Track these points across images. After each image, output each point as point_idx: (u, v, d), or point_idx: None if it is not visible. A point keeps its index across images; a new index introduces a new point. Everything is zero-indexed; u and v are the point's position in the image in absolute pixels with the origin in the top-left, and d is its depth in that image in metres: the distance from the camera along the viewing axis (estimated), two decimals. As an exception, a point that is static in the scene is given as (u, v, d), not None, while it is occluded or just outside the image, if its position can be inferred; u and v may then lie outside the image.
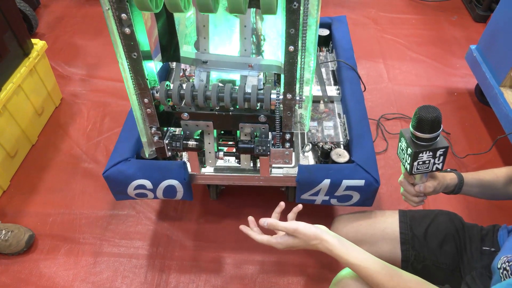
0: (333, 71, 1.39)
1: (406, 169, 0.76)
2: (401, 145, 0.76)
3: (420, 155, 0.71)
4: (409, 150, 0.72)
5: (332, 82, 1.36)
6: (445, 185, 0.82)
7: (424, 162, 0.73)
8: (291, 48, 0.69)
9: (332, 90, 1.29)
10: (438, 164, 0.73)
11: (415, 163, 0.72)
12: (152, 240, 1.28)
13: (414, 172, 0.74)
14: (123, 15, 0.66)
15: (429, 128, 0.69)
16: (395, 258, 0.90)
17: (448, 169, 0.86)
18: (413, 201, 0.82)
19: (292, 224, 0.76)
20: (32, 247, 1.27)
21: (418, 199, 0.82)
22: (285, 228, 0.76)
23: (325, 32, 1.49)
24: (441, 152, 0.71)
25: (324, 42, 1.49)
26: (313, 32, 0.68)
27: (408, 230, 0.91)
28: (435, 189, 0.80)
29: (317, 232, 0.74)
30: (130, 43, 0.70)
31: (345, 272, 0.80)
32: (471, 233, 0.88)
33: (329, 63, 1.42)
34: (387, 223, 0.94)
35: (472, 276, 0.80)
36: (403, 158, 0.76)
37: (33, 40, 1.54)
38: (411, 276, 0.67)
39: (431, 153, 0.71)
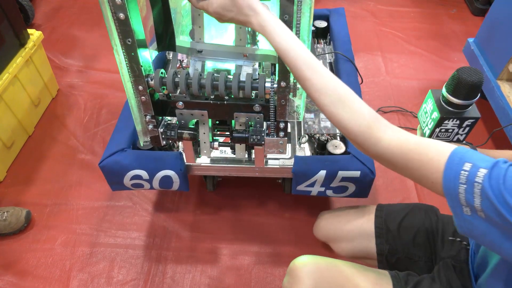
0: (330, 63, 1.39)
1: (424, 133, 0.68)
2: (425, 107, 0.67)
3: (446, 121, 0.63)
4: (435, 114, 0.63)
5: (329, 74, 1.36)
6: None
7: (446, 130, 0.65)
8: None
9: (329, 82, 1.29)
10: (461, 135, 0.66)
11: (437, 129, 0.65)
12: (149, 231, 1.29)
13: (435, 136, 0.66)
14: (118, 0, 0.65)
15: (465, 93, 0.59)
16: (371, 252, 0.90)
17: (464, 142, 0.81)
18: None
19: None
20: (29, 224, 1.28)
21: None
22: None
23: (323, 24, 1.48)
24: (469, 123, 0.63)
25: (322, 34, 1.48)
26: (307, 20, 0.68)
27: (383, 224, 0.90)
28: None
29: (255, 3, 0.62)
30: (124, 29, 0.70)
31: (297, 261, 0.77)
32: (445, 224, 0.87)
33: (327, 55, 1.42)
34: (364, 219, 0.93)
35: (439, 267, 0.79)
36: (424, 121, 0.67)
37: (29, 31, 1.53)
38: (340, 84, 0.60)
39: (458, 122, 0.63)
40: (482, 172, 0.47)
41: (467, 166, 0.48)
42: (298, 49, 0.60)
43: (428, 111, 0.66)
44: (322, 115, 1.21)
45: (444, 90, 0.62)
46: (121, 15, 0.68)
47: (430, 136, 0.67)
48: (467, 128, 0.65)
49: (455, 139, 0.67)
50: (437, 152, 0.51)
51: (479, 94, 0.61)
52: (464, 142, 0.79)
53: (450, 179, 0.49)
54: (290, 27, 0.68)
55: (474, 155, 0.49)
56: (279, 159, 1.06)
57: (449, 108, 0.63)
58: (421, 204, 0.95)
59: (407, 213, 0.91)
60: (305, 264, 0.75)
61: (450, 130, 0.65)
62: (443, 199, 0.95)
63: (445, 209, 0.95)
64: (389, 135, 0.55)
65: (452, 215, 0.85)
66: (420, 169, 0.52)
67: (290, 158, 1.06)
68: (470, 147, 0.77)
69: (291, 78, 0.76)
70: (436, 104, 0.64)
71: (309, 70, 0.59)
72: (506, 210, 0.45)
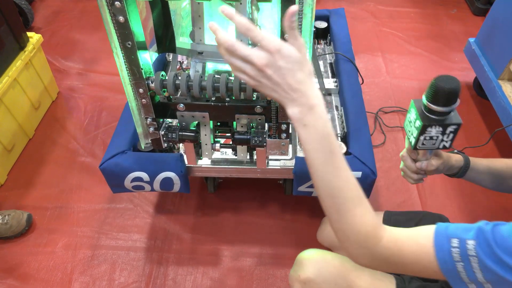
0: (331, 64, 1.39)
1: (410, 143, 0.69)
2: (409, 117, 0.69)
3: (429, 129, 0.64)
4: (418, 123, 0.65)
5: (330, 74, 1.36)
6: (449, 166, 0.76)
7: (431, 138, 0.66)
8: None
9: (330, 83, 1.29)
10: (446, 142, 0.66)
11: (421, 137, 0.66)
12: (150, 233, 1.28)
13: (419, 147, 0.67)
14: (117, 3, 0.65)
15: (444, 100, 0.61)
16: None
17: (455, 150, 0.81)
18: (412, 178, 0.76)
19: (302, 39, 0.51)
20: (30, 227, 1.28)
21: (417, 176, 0.75)
22: (269, 41, 0.49)
23: (323, 24, 1.48)
24: (452, 129, 0.64)
25: (322, 34, 1.48)
26: (308, 21, 0.68)
27: None
28: (438, 168, 0.74)
29: (314, 91, 0.51)
30: (124, 32, 0.69)
31: (305, 252, 0.79)
32: None
33: (327, 55, 1.42)
34: None
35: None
36: (409, 131, 0.69)
37: (29, 34, 1.53)
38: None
39: (441, 129, 0.64)
40: (471, 243, 0.46)
41: (455, 242, 0.47)
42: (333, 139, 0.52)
43: (412, 120, 0.68)
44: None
45: (424, 99, 0.64)
46: (121, 18, 0.68)
47: (415, 144, 0.67)
48: (451, 135, 0.65)
49: (441, 146, 0.68)
50: (424, 237, 0.50)
51: (458, 101, 0.62)
52: (456, 151, 0.80)
53: (445, 261, 0.48)
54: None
55: (456, 228, 0.48)
56: (280, 160, 1.06)
57: (431, 116, 0.63)
58: (429, 213, 0.92)
59: (416, 224, 0.86)
60: (311, 254, 0.77)
61: (435, 138, 0.66)
62: (448, 202, 0.93)
63: (452, 214, 0.93)
64: (386, 233, 0.53)
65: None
66: (417, 262, 0.50)
67: (291, 159, 1.06)
68: (462, 156, 0.77)
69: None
70: (418, 113, 0.65)
71: (344, 162, 0.53)
72: (510, 273, 0.44)
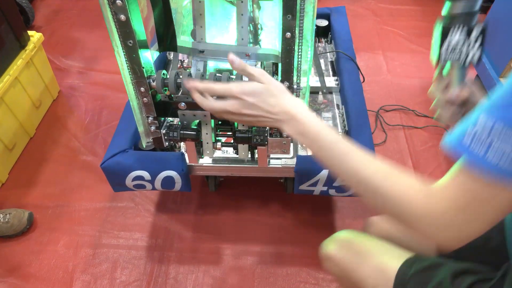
0: (331, 62, 1.38)
1: (435, 63, 0.61)
2: (434, 37, 0.61)
3: (451, 31, 0.56)
4: (439, 30, 0.58)
5: (331, 73, 1.36)
6: None
7: (454, 49, 0.58)
8: (288, 34, 0.68)
9: (331, 81, 1.28)
10: (474, 52, 0.58)
11: (443, 48, 0.58)
12: (151, 231, 1.28)
13: (443, 59, 0.59)
14: (118, 2, 0.65)
15: None
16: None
17: None
18: (445, 114, 0.65)
19: (256, 70, 0.59)
20: (32, 226, 1.28)
21: (449, 110, 0.64)
22: (251, 74, 0.59)
23: (324, 22, 1.48)
24: (478, 32, 0.56)
25: (323, 32, 1.48)
26: (310, 19, 0.68)
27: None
28: (472, 97, 0.64)
29: (290, 104, 0.57)
30: (125, 30, 0.69)
31: (338, 232, 0.77)
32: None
33: (328, 54, 1.41)
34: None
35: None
36: (433, 52, 0.61)
37: (30, 32, 1.52)
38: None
39: (465, 30, 0.56)
40: (481, 119, 0.39)
41: (468, 137, 0.40)
42: (366, 164, 0.52)
43: (435, 37, 0.61)
44: (324, 114, 1.21)
45: (444, 8, 0.58)
46: (122, 17, 0.68)
47: (437, 60, 0.60)
48: (479, 40, 0.56)
49: (469, 59, 0.58)
50: (454, 168, 0.43)
51: (479, 3, 0.56)
52: None
53: (477, 165, 0.40)
54: (293, 26, 0.67)
55: (456, 130, 0.42)
56: (281, 159, 1.06)
57: (453, 21, 0.57)
58: None
59: None
60: (340, 233, 0.75)
61: (459, 46, 0.57)
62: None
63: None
64: (436, 188, 0.46)
65: None
66: (476, 198, 0.42)
67: (292, 158, 1.06)
68: None
69: (294, 78, 0.76)
70: (441, 23, 0.59)
71: (348, 145, 0.53)
72: None
